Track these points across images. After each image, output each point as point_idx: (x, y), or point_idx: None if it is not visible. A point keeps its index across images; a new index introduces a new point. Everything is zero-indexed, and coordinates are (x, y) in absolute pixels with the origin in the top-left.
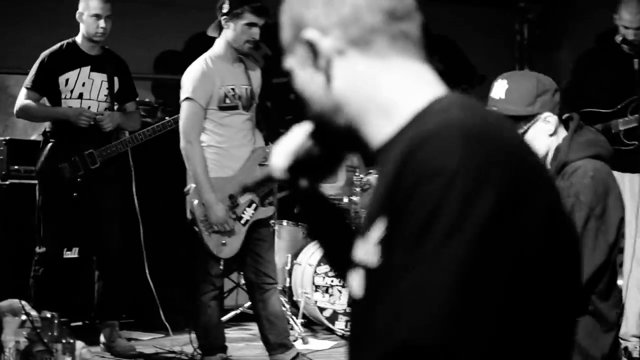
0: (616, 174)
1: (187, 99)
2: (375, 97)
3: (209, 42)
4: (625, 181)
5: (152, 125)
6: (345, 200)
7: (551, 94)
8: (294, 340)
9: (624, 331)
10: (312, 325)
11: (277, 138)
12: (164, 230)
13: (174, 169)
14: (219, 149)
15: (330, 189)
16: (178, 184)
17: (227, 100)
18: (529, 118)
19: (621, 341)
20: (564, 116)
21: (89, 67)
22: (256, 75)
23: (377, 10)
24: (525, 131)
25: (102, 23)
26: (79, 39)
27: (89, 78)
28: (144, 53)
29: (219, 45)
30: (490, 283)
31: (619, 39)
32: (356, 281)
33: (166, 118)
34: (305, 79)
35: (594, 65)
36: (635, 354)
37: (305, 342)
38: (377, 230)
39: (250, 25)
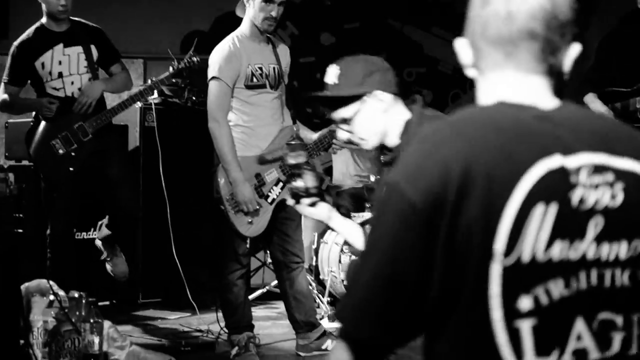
0: None
1: (213, 78)
2: None
3: (236, 22)
4: None
5: (133, 94)
6: (373, 179)
7: (381, 73)
8: (321, 319)
9: None
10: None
11: (303, 117)
12: (191, 209)
13: (201, 148)
14: (246, 128)
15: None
16: (205, 163)
17: (255, 79)
18: (361, 97)
19: None
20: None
21: (61, 44)
22: (285, 54)
23: None
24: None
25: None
26: (44, 19)
27: (64, 55)
28: (171, 34)
29: (245, 25)
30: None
31: None
32: None
33: (193, 98)
34: None
35: (616, 45)
36: None
37: (332, 320)
38: None
39: (268, 1)
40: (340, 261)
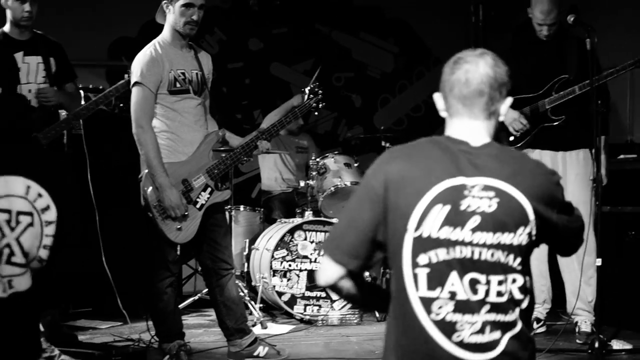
0: (550, 152)
1: (136, 83)
2: None
3: (162, 29)
4: (558, 159)
5: (87, 103)
6: (302, 184)
7: None
8: (253, 325)
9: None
10: (270, 309)
11: (233, 122)
12: (120, 217)
13: (129, 155)
14: (171, 134)
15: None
16: (133, 170)
17: (178, 84)
18: None
19: (572, 316)
20: None
21: (21, 52)
22: (207, 62)
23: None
24: None
25: (27, 7)
26: (7, 27)
27: (23, 62)
28: (98, 40)
29: (166, 31)
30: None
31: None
32: None
33: (121, 105)
34: None
35: (515, 56)
36: (584, 328)
37: (264, 326)
38: None
39: (187, 6)
40: (271, 267)
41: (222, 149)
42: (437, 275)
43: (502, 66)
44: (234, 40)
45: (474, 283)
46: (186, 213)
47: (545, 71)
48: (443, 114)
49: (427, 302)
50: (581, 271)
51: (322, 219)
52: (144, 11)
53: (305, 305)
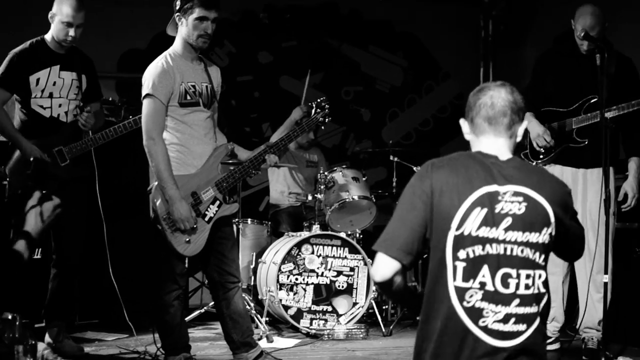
0: (571, 169)
1: (147, 95)
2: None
3: (172, 41)
4: (579, 176)
5: (115, 125)
6: (310, 197)
7: None
8: (259, 339)
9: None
10: (277, 323)
11: (242, 135)
12: (128, 229)
13: (138, 167)
14: (180, 147)
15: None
16: (142, 182)
17: (188, 97)
18: None
19: (581, 333)
20: None
21: (58, 66)
22: (216, 75)
23: None
24: None
25: (71, 32)
26: (48, 37)
27: (59, 77)
28: (108, 52)
29: (177, 43)
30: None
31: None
32: None
33: (130, 117)
34: None
35: (552, 65)
36: (590, 345)
37: (269, 340)
38: None
39: (201, 19)
40: (278, 281)
41: (230, 162)
42: (472, 269)
43: (519, 94)
44: (244, 53)
45: (506, 277)
46: (195, 226)
47: (578, 88)
48: (468, 137)
49: (460, 292)
50: (588, 288)
51: (330, 232)
52: (154, 23)
53: (312, 319)
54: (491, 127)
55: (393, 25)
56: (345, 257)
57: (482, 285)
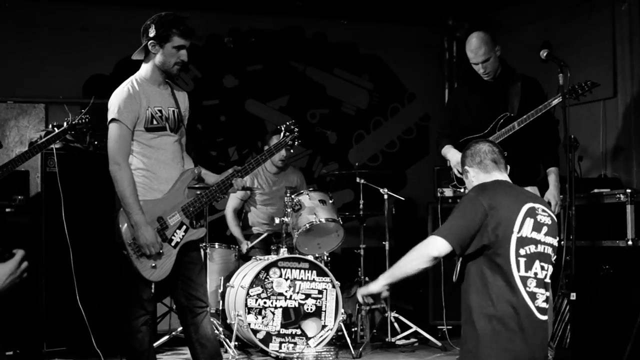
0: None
1: (113, 120)
2: None
3: (138, 66)
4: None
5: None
6: (277, 221)
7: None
8: None
9: None
10: (246, 347)
11: (208, 160)
12: (94, 255)
13: (103, 193)
14: (147, 172)
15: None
16: (108, 207)
17: (154, 122)
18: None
19: None
20: None
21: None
22: (184, 100)
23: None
24: None
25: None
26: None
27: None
28: (73, 77)
29: (145, 69)
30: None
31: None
32: None
33: (95, 142)
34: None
35: (461, 99)
36: None
37: None
38: None
39: (179, 47)
40: (246, 305)
41: (197, 186)
42: (530, 262)
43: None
44: (209, 77)
45: (542, 269)
46: (161, 251)
47: (490, 111)
48: (476, 177)
49: (524, 280)
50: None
51: (297, 255)
52: (119, 49)
53: (281, 342)
54: (497, 165)
55: (358, 47)
56: (314, 280)
57: (535, 275)
